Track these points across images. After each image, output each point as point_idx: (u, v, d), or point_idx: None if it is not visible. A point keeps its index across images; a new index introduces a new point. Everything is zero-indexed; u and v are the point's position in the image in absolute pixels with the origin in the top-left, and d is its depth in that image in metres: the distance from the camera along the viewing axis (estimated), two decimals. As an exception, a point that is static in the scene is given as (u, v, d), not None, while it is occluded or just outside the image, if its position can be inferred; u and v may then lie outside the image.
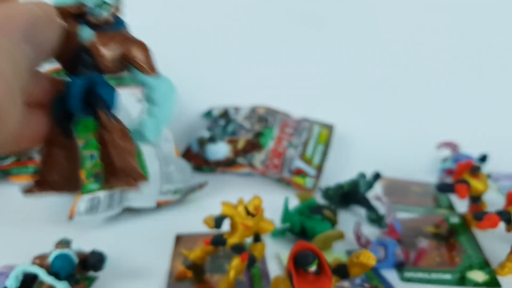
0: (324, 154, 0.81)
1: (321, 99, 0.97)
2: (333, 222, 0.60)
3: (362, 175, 0.68)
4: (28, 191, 0.22)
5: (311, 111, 0.93)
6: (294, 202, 0.63)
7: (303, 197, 0.64)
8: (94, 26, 0.19)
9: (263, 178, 0.80)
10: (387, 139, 0.92)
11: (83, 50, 0.19)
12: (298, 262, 0.42)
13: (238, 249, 0.47)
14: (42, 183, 0.22)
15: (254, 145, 0.79)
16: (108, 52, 0.19)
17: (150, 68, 0.20)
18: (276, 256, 0.55)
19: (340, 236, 0.57)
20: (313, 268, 0.42)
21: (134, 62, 0.20)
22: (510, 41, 0.94)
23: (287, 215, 0.60)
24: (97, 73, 0.19)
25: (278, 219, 0.61)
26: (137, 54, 0.20)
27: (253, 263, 0.48)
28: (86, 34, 0.19)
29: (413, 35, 0.95)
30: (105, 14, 0.19)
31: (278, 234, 0.59)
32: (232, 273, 0.46)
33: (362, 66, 0.98)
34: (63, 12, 0.19)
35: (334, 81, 0.98)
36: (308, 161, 0.78)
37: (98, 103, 0.19)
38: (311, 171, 0.77)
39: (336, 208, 0.62)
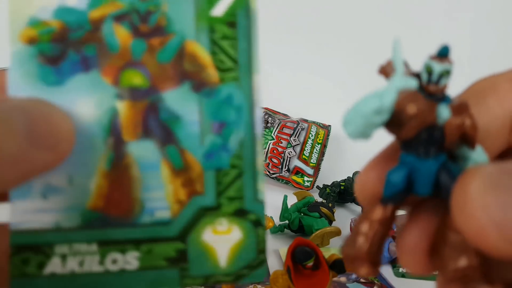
0: (321, 153, 0.82)
1: (319, 101, 0.98)
2: (330, 219, 0.61)
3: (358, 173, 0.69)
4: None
5: (309, 112, 0.94)
6: (292, 200, 0.64)
7: (301, 195, 0.65)
8: (430, 96, 0.17)
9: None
10: (382, 139, 0.94)
11: (434, 128, 0.16)
12: (296, 257, 0.44)
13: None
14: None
15: None
16: (460, 129, 0.17)
17: (475, 142, 0.17)
18: (275, 252, 0.56)
19: (337, 232, 0.58)
20: (310, 263, 0.43)
21: (469, 136, 0.17)
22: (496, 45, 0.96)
23: (286, 212, 0.61)
24: (443, 154, 0.17)
25: (277, 216, 0.62)
26: (471, 128, 0.17)
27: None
28: (446, 115, 0.16)
29: (406, 39, 0.96)
30: (445, 83, 0.17)
31: (277, 230, 0.60)
32: None
33: (358, 69, 0.99)
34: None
35: (331, 83, 0.99)
36: (306, 161, 0.79)
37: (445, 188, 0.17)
38: (309, 170, 0.78)
39: (333, 206, 0.63)
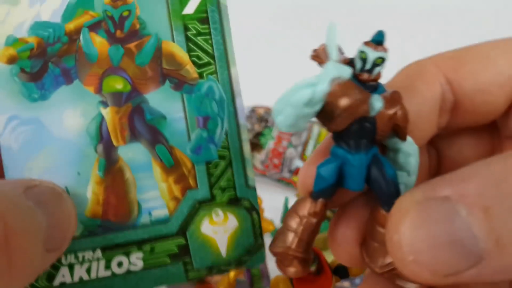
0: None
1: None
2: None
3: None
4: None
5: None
6: (294, 202, 0.64)
7: None
8: (362, 84, 0.16)
9: (263, 178, 0.81)
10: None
11: (366, 119, 0.16)
12: None
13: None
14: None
15: (254, 145, 0.79)
16: (392, 120, 0.16)
17: (406, 134, 0.17)
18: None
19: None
20: (312, 268, 0.43)
21: (400, 128, 0.16)
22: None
23: (287, 214, 0.61)
24: (375, 147, 0.16)
25: (278, 219, 0.62)
26: (402, 119, 0.16)
27: (253, 262, 0.49)
28: (379, 106, 0.15)
29: (405, 38, 0.97)
30: (379, 71, 0.16)
31: (279, 234, 0.60)
32: (232, 273, 0.46)
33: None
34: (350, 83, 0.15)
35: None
36: (307, 161, 0.80)
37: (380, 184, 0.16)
38: (311, 170, 0.78)
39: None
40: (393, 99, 0.16)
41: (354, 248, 0.18)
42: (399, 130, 0.16)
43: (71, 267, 0.18)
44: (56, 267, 0.18)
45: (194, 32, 0.19)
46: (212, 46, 0.19)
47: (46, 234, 0.16)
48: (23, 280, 0.16)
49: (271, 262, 0.59)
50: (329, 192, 0.17)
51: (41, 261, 0.16)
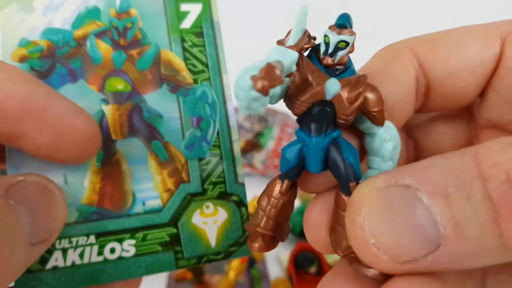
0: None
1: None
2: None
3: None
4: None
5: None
6: (295, 203, 0.64)
7: (304, 197, 0.65)
8: (326, 68, 0.16)
9: (263, 178, 0.80)
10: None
11: (325, 103, 0.16)
12: (299, 263, 0.43)
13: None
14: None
15: (253, 145, 0.79)
16: (354, 104, 0.16)
17: (382, 118, 0.17)
18: (276, 257, 0.54)
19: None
20: (313, 269, 0.43)
21: (370, 112, 0.16)
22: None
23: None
24: (337, 130, 0.17)
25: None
26: (372, 102, 0.16)
27: (253, 264, 0.48)
28: (335, 89, 0.15)
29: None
30: (343, 55, 0.15)
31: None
32: (232, 274, 0.46)
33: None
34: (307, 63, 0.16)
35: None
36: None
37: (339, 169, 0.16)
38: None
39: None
40: (358, 82, 0.16)
41: (325, 232, 0.18)
42: (370, 115, 0.17)
43: (64, 251, 0.19)
44: (49, 251, 0.19)
45: (190, 43, 0.21)
46: (206, 56, 0.21)
47: (30, 230, 0.16)
48: (5, 281, 0.15)
49: (271, 263, 0.58)
50: (294, 173, 0.17)
51: (26, 257, 0.16)
